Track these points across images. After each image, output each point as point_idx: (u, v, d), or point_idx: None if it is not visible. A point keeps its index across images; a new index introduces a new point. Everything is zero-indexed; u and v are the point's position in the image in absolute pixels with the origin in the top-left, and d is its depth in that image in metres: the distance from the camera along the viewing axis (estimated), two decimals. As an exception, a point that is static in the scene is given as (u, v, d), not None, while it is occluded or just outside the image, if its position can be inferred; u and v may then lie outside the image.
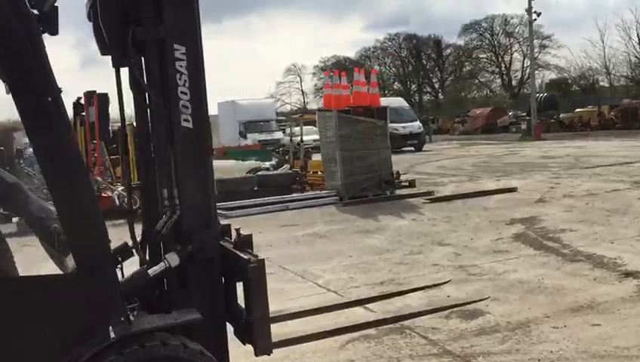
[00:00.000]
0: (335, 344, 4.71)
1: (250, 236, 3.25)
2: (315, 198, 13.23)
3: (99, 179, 12.85)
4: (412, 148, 30.25)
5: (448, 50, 67.99)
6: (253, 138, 31.78)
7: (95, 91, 13.80)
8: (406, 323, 5.13)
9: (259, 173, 14.54)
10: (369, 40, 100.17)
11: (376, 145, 13.43)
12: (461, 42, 66.13)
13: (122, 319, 2.74)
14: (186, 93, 3.01)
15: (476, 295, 5.77)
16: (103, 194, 12.46)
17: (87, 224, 2.72)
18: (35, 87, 2.56)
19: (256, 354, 3.01)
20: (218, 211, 10.53)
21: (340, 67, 66.26)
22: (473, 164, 21.02)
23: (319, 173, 14.64)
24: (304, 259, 7.89)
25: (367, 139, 13.25)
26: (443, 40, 66.98)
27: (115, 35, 3.01)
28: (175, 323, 2.85)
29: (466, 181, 15.91)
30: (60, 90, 2.66)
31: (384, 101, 34.47)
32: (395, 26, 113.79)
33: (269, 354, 3.05)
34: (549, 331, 4.78)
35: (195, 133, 3.05)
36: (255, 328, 2.95)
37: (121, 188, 12.58)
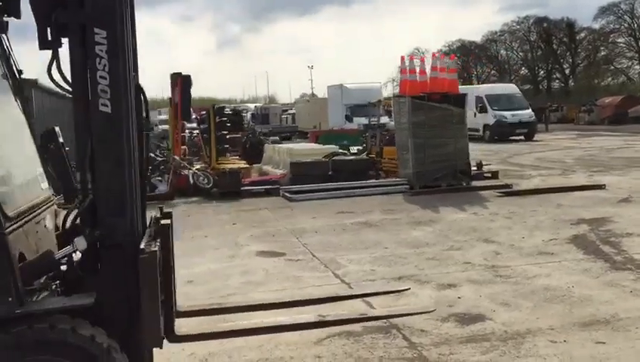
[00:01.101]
0: (312, 337, 4.60)
1: (166, 226, 3.22)
2: (384, 186, 12.99)
3: (176, 158, 13.40)
4: (522, 138, 28.78)
5: (582, 34, 63.45)
6: (359, 122, 31.73)
7: (180, 73, 14.33)
8: (398, 322, 4.91)
9: (334, 157, 14.46)
10: (498, 24, 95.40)
11: (453, 133, 12.91)
12: (596, 26, 61.47)
13: (10, 299, 2.82)
14: (105, 78, 3.02)
15: (480, 299, 5.41)
16: (181, 173, 12.99)
17: None
18: None
19: (144, 347, 2.99)
20: (286, 194, 10.70)
21: (465, 51, 64.28)
22: (577, 157, 19.61)
23: (395, 159, 14.33)
24: (339, 247, 7.78)
25: (442, 127, 12.77)
26: (576, 23, 62.63)
27: (43, 17, 3.07)
28: (63, 307, 2.89)
29: (556, 175, 14.92)
30: None
31: (496, 88, 33.32)
32: (530, 8, 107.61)
33: (159, 348, 3.02)
34: (544, 345, 4.38)
35: (112, 117, 3.05)
36: (143, 320, 2.92)
37: (196, 167, 13.06)
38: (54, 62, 3.13)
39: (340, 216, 10.14)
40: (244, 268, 6.94)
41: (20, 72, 3.69)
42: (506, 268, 6.45)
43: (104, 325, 2.97)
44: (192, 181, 12.89)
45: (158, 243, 3.11)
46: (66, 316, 2.90)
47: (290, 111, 43.69)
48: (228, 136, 21.70)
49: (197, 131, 18.26)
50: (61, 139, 12.60)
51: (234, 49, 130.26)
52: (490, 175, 14.30)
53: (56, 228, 3.70)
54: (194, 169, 13.16)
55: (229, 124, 15.53)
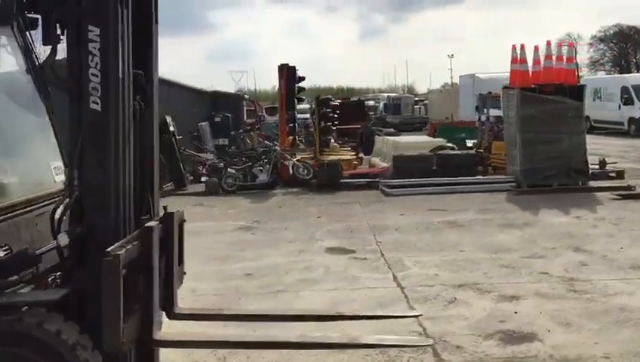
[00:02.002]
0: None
1: (149, 229, 3.15)
2: (489, 183, 12.29)
3: (278, 148, 13.59)
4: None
5: None
6: (492, 113, 30.49)
7: (287, 64, 14.51)
8: (437, 333, 4.57)
9: (439, 151, 13.92)
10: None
11: (568, 128, 11.90)
12: None
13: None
14: (97, 76, 3.00)
15: (539, 316, 4.88)
16: (283, 163, 13.18)
17: None
18: None
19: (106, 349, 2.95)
20: (384, 188, 10.50)
21: (623, 38, 58.81)
22: None
23: (504, 155, 13.49)
24: (413, 247, 7.45)
25: (555, 121, 11.80)
26: None
27: (46, 13, 3.12)
28: (26, 301, 2.93)
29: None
30: None
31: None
32: None
33: (119, 349, 2.96)
34: (588, 376, 3.85)
35: (101, 115, 3.03)
36: (103, 323, 2.88)
37: (295, 158, 13.17)
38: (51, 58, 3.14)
39: (429, 213, 9.72)
40: (307, 264, 6.85)
41: (42, 67, 3.80)
42: (585, 283, 5.79)
43: (87, 321, 2.97)
44: (291, 172, 13.03)
45: (132, 246, 3.04)
46: (42, 310, 2.94)
47: (424, 102, 42.96)
48: (347, 127, 21.81)
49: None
50: (172, 128, 13.22)
51: (377, 39, 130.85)
52: (614, 174, 13.04)
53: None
54: (294, 160, 13.27)
55: (334, 115, 15.41)
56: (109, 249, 2.85)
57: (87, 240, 3.05)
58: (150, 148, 3.56)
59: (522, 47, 12.10)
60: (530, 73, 12.08)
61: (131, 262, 3.04)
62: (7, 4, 3.28)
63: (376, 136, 17.99)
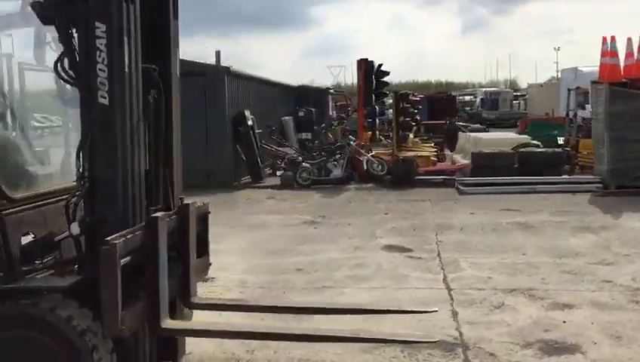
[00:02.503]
0: (363, 345, 4.31)
1: (154, 219, 3.22)
2: (573, 183, 11.66)
3: (352, 143, 13.53)
4: None
5: None
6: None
7: (366, 59, 14.41)
8: (471, 339, 4.39)
9: (521, 149, 13.32)
10: None
11: (662, 126, 11.04)
12: None
13: (1, 275, 3.08)
14: (104, 71, 3.10)
15: (589, 327, 4.56)
16: (358, 159, 13.13)
17: None
18: None
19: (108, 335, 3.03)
20: (459, 186, 10.27)
21: None
22: None
23: (592, 154, 12.72)
24: (473, 248, 7.19)
25: (649, 118, 10.98)
26: None
27: (61, 11, 3.25)
28: (42, 287, 3.07)
29: None
30: None
31: None
32: None
33: (119, 336, 3.03)
34: (626, 395, 3.55)
35: (110, 109, 3.12)
36: (102, 309, 2.96)
37: (370, 154, 13.08)
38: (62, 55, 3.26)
39: (501, 213, 9.34)
40: (359, 261, 6.78)
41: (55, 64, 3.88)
42: (652, 293, 5.36)
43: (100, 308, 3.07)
44: (365, 167, 12.95)
45: (135, 235, 3.12)
46: (58, 295, 3.08)
47: (524, 97, 41.36)
48: (435, 123, 21.39)
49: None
50: (250, 122, 13.52)
51: (479, 32, 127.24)
52: None
53: None
54: (369, 155, 13.17)
55: (415, 110, 15.16)
56: (108, 238, 2.95)
57: (97, 230, 3.17)
58: (169, 142, 3.64)
59: (613, 38, 11.36)
60: (622, 67, 11.32)
61: (135, 251, 3.12)
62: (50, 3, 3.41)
63: (460, 133, 17.51)
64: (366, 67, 14.12)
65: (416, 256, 6.92)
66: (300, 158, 13.88)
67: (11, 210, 3.23)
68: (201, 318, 4.13)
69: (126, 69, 3.12)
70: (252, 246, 7.71)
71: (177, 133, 3.76)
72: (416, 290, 5.67)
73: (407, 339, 3.48)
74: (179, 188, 3.82)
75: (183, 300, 3.73)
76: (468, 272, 6.20)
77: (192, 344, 4.36)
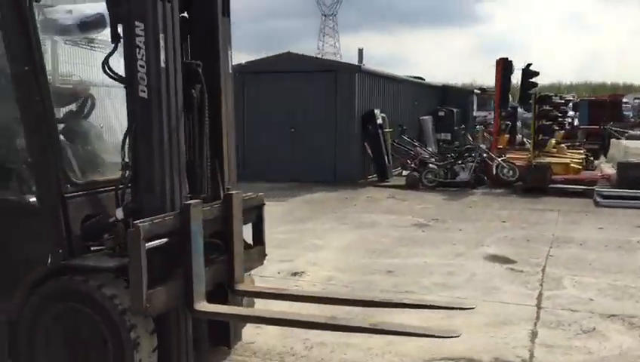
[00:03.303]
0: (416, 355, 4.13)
1: (187, 206, 3.32)
2: None
3: (482, 146, 12.95)
4: None
5: None
6: None
7: (506, 58, 13.72)
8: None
9: (678, 159, 11.87)
10: None
11: None
12: None
13: (60, 251, 3.36)
14: (143, 67, 3.27)
15: None
16: (489, 162, 12.62)
17: (47, 172, 3.38)
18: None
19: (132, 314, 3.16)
20: (597, 197, 9.54)
21: None
22: None
23: None
24: (585, 266, 6.55)
25: None
26: None
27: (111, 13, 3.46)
28: (90, 266, 3.29)
29: None
30: None
31: None
32: None
33: (146, 315, 3.15)
34: None
35: (148, 102, 3.27)
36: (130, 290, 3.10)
37: (501, 158, 12.49)
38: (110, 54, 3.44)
39: (636, 230, 8.42)
40: (454, 269, 6.48)
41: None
42: None
43: None
44: (494, 172, 12.34)
45: (165, 220, 3.23)
46: (110, 275, 3.28)
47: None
48: (593, 128, 19.83)
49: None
50: (379, 121, 13.65)
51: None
52: None
53: None
54: (499, 160, 12.52)
55: (559, 114, 14.13)
56: (136, 221, 3.10)
57: (137, 215, 3.34)
58: (217, 135, 3.73)
59: None
60: None
61: (167, 235, 3.24)
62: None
63: (613, 140, 16.05)
64: (504, 67, 13.43)
65: (517, 269, 6.47)
66: (433, 159, 13.57)
67: (74, 194, 3.51)
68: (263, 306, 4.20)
69: (162, 65, 3.25)
70: (353, 245, 7.69)
71: (228, 127, 3.84)
72: (502, 305, 5.30)
73: (429, 333, 3.27)
74: (230, 179, 3.90)
75: (229, 286, 3.82)
76: (568, 291, 5.67)
77: (255, 334, 4.48)
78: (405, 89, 16.90)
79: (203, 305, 3.44)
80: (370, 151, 13.47)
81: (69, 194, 3.44)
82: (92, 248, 3.51)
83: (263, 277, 6.19)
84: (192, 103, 3.52)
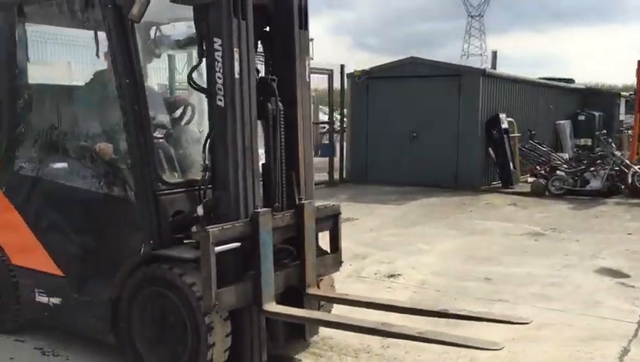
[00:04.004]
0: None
1: (256, 214, 3.58)
2: None
3: (617, 153, 12.09)
4: None
5: None
6: None
7: (646, 59, 12.72)
8: None
9: None
10: None
11: None
12: None
13: (151, 242, 3.80)
14: (220, 78, 3.61)
15: None
16: (625, 171, 11.88)
17: (142, 172, 3.83)
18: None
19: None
20: None
21: None
22: None
23: None
24: None
25: None
26: None
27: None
28: (174, 256, 3.68)
29: None
30: None
31: None
32: None
33: (214, 310, 3.46)
34: None
35: (225, 110, 3.60)
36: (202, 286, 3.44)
37: (637, 166, 11.68)
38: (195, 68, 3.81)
39: None
40: (558, 280, 6.24)
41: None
42: None
43: None
44: (629, 181, 11.50)
45: (236, 226, 3.53)
46: (193, 264, 3.62)
47: None
48: None
49: None
50: (505, 125, 13.47)
51: None
52: None
53: None
54: (637, 167, 11.63)
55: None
56: (207, 227, 3.43)
57: (214, 211, 3.70)
58: (293, 146, 3.98)
59: None
60: None
61: (237, 240, 3.53)
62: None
63: None
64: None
65: (629, 284, 6.09)
66: (565, 166, 12.93)
67: (165, 192, 3.95)
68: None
69: (237, 76, 3.56)
70: (458, 251, 7.64)
71: (305, 139, 4.05)
72: (600, 320, 5.05)
73: (470, 344, 3.26)
74: (307, 190, 4.10)
75: (301, 290, 4.06)
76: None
77: (336, 330, 4.67)
78: (539, 92, 16.21)
79: (271, 306, 3.70)
80: (494, 157, 13.13)
81: (161, 192, 3.89)
82: (185, 241, 3.94)
83: (360, 277, 6.44)
84: (267, 115, 3.81)
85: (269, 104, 3.81)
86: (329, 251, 4.39)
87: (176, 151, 4.33)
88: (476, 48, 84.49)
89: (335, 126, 14.91)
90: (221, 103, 3.62)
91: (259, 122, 3.86)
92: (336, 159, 14.38)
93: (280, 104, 3.86)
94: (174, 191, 3.98)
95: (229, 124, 3.62)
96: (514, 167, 13.19)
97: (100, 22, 3.91)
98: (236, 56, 3.58)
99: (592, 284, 6.11)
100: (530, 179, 12.97)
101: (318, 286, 4.30)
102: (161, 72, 6.15)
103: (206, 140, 3.80)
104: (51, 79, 5.54)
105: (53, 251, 4.39)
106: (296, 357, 4.30)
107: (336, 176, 14.30)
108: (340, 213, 4.37)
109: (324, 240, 4.41)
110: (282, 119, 3.88)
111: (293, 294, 4.05)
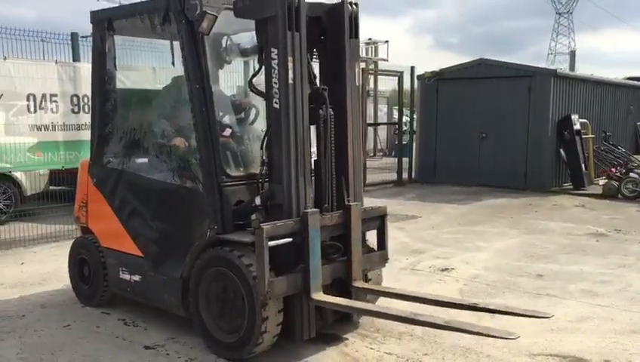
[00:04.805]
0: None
1: (305, 214, 4.02)
2: None
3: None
4: None
5: None
6: None
7: None
8: None
9: None
10: None
11: None
12: None
13: (215, 227, 4.33)
14: (276, 83, 4.10)
15: None
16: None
17: (209, 166, 4.37)
18: None
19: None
20: None
21: None
22: None
23: None
24: None
25: None
26: None
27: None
28: (234, 240, 4.19)
29: None
30: None
31: None
32: None
33: (266, 298, 3.94)
34: None
35: (280, 111, 4.09)
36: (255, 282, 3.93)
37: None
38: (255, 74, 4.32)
39: None
40: (610, 278, 6.33)
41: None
42: None
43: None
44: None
45: (287, 224, 3.98)
46: (250, 247, 4.10)
47: None
48: None
49: None
50: (577, 127, 13.54)
51: None
52: None
53: None
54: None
55: None
56: (262, 223, 3.91)
57: (269, 202, 4.20)
58: (343, 151, 4.40)
59: None
60: None
61: (288, 237, 4.02)
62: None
63: None
64: None
65: (682, 285, 6.13)
66: (640, 169, 12.66)
67: (228, 183, 4.49)
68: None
69: (290, 81, 4.04)
70: (515, 249, 7.81)
71: (354, 143, 4.47)
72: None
73: (490, 333, 3.57)
74: (355, 192, 4.52)
75: (347, 284, 4.49)
76: None
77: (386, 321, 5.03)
78: (616, 93, 15.84)
79: (317, 295, 4.16)
80: (565, 158, 13.02)
81: (225, 184, 4.43)
82: (247, 228, 4.44)
83: (414, 270, 6.79)
84: (319, 121, 4.27)
85: (320, 110, 4.26)
86: (376, 249, 4.81)
87: (240, 148, 4.85)
88: (564, 46, 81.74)
89: (405, 127, 15.21)
90: (277, 106, 4.12)
91: (312, 127, 4.33)
92: (406, 160, 14.67)
93: (331, 110, 4.30)
94: (236, 183, 4.51)
95: (283, 124, 4.11)
96: (586, 169, 13.03)
97: (175, 34, 4.50)
98: (290, 65, 4.06)
99: (645, 283, 6.19)
100: (602, 182, 12.78)
101: (366, 280, 4.74)
102: (236, 76, 6.78)
103: (264, 138, 4.31)
104: (138, 84, 6.25)
105: (135, 234, 5.04)
106: (344, 336, 4.72)
107: (405, 175, 14.59)
108: (386, 215, 4.77)
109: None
110: (333, 125, 4.32)
111: (345, 286, 4.49)
